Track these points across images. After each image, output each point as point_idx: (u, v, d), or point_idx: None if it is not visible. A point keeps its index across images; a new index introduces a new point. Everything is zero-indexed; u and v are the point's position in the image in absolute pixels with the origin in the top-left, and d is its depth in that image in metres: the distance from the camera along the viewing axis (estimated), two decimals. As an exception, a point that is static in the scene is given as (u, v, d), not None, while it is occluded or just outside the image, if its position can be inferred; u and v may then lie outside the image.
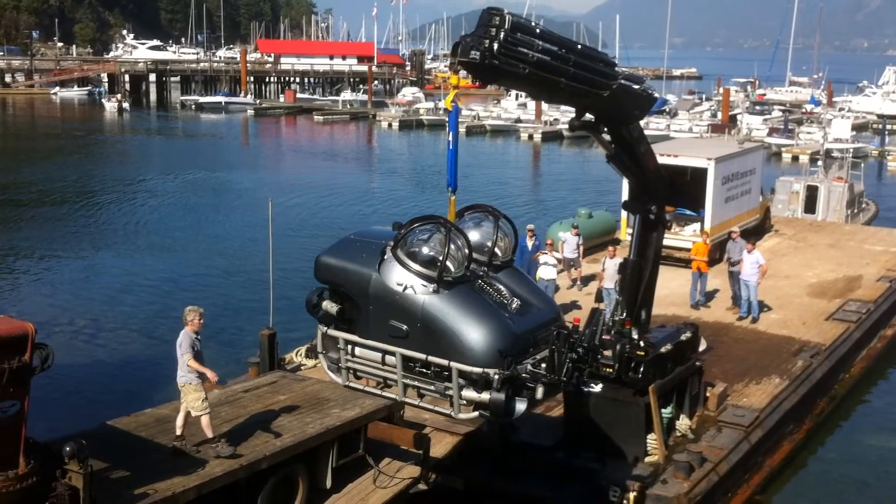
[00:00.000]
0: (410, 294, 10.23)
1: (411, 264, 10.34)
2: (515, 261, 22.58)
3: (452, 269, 10.60)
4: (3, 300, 27.20)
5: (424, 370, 10.52)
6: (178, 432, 11.30)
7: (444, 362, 10.22)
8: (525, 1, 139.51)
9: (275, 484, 11.52)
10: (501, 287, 11.06)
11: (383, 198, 48.09)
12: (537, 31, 11.17)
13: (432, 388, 10.50)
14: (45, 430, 11.44)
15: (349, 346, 11.12)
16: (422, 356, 10.40)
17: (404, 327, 10.39)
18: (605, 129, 13.64)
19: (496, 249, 11.38)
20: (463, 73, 11.02)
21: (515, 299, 10.97)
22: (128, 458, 10.93)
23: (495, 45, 10.34)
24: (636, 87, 13.27)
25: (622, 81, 12.58)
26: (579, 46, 11.88)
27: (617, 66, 12.98)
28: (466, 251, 10.72)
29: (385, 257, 10.49)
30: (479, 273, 11.07)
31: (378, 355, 10.85)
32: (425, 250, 10.62)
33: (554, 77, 11.25)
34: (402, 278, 10.30)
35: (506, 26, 10.43)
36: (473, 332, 10.12)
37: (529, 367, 10.22)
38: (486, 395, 10.00)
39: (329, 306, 10.89)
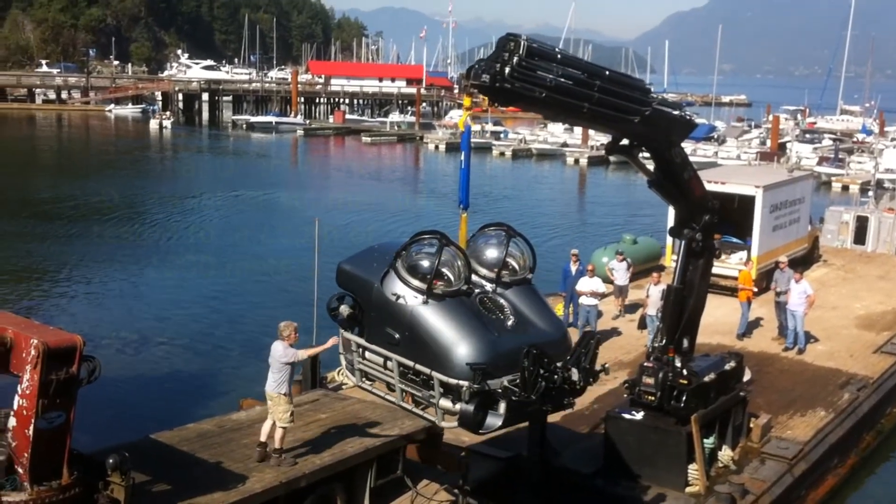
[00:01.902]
0: (402, 303, 10.66)
1: (405, 275, 10.75)
2: (559, 285, 22.99)
3: (453, 280, 10.91)
4: (53, 312, 27.69)
5: (415, 377, 10.86)
6: (263, 439, 11.81)
7: (427, 371, 10.57)
8: (565, 26, 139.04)
9: (313, 502, 11.59)
10: (504, 304, 11.27)
11: (427, 217, 48.18)
12: (558, 56, 11.30)
13: (420, 394, 10.84)
14: (89, 441, 11.60)
15: (360, 349, 11.52)
16: (410, 363, 10.76)
17: (396, 335, 10.80)
18: (649, 155, 13.65)
19: (506, 267, 11.56)
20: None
21: (513, 317, 11.13)
22: (169, 471, 11.07)
23: (506, 70, 10.51)
24: (673, 112, 13.25)
25: (656, 107, 12.59)
26: (607, 73, 11.95)
27: (651, 92, 13.00)
28: (463, 266, 11.02)
29: (390, 268, 10.97)
30: (482, 288, 11.32)
31: (381, 359, 11.30)
32: (425, 263, 10.91)
33: (576, 102, 11.37)
34: (397, 288, 10.74)
35: (520, 52, 10.61)
36: (448, 344, 10.42)
37: (505, 383, 10.38)
38: (458, 406, 10.32)
39: (343, 310, 11.33)
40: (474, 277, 11.39)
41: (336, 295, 11.53)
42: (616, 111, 11.94)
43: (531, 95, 10.84)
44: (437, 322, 10.49)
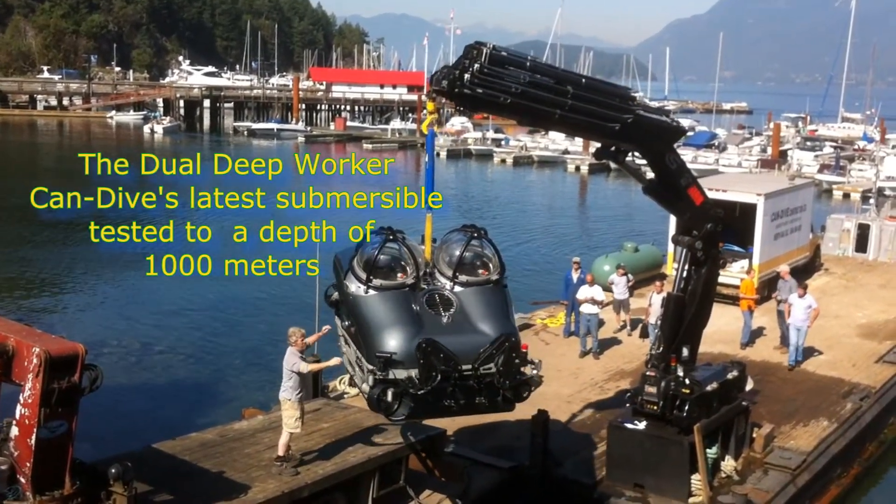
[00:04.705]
0: (350, 292, 11.23)
1: (355, 266, 11.27)
2: (561, 293, 22.94)
3: (408, 274, 11.31)
4: (55, 321, 27.65)
5: (359, 362, 11.31)
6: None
7: (358, 355, 11.15)
8: (551, 31, 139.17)
9: (315, 512, 11.56)
10: (454, 302, 11.38)
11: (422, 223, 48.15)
12: (527, 64, 11.48)
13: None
14: (92, 450, 11.59)
15: (342, 335, 12.05)
16: (354, 348, 11.32)
17: (347, 322, 11.53)
18: (647, 162, 13.69)
19: (466, 267, 11.76)
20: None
21: (452, 316, 11.24)
22: (172, 481, 11.06)
23: (466, 76, 10.80)
24: (659, 118, 13.27)
25: (640, 113, 12.62)
26: (583, 80, 12.13)
27: (635, 99, 13.08)
28: (412, 262, 11.41)
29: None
30: (439, 286, 11.51)
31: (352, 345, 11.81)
32: (381, 257, 11.37)
33: (546, 108, 11.51)
34: (350, 278, 11.31)
35: (482, 59, 10.88)
36: (371, 332, 10.90)
37: (411, 374, 10.64)
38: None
39: (334, 298, 11.98)
40: (437, 276, 11.69)
41: (333, 283, 12.17)
42: (593, 118, 12.01)
43: (495, 101, 11.09)
44: (368, 311, 11.02)
